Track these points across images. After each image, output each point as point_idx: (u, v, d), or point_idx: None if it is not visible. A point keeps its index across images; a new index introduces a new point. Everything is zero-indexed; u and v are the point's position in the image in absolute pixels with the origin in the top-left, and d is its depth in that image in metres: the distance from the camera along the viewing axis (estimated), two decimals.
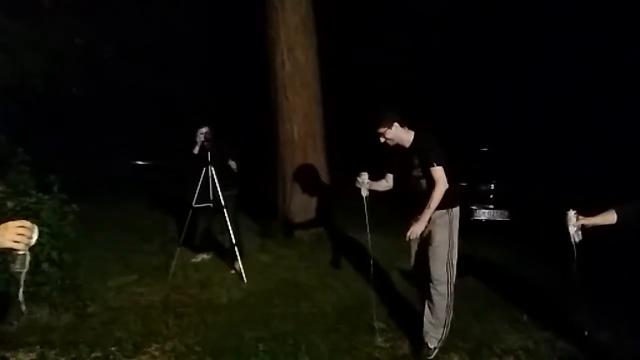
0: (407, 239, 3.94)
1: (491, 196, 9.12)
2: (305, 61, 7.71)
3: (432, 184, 3.83)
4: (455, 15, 13.36)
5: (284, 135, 7.80)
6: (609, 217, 3.39)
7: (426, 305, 4.04)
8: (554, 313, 4.87)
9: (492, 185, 9.18)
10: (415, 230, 3.85)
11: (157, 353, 4.05)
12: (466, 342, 4.23)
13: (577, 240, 3.43)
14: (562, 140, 11.49)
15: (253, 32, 8.76)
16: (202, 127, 6.38)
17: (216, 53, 14.98)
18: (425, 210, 3.80)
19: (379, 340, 4.32)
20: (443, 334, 4.01)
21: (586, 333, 3.86)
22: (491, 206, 9.01)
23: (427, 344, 4.03)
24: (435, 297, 3.93)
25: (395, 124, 3.96)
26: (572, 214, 3.44)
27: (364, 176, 4.27)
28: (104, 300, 5.17)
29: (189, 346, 4.15)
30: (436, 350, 4.03)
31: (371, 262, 4.62)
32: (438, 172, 3.81)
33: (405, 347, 4.18)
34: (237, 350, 4.06)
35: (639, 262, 5.01)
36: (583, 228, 3.44)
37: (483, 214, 8.97)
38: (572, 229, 3.43)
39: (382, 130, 3.98)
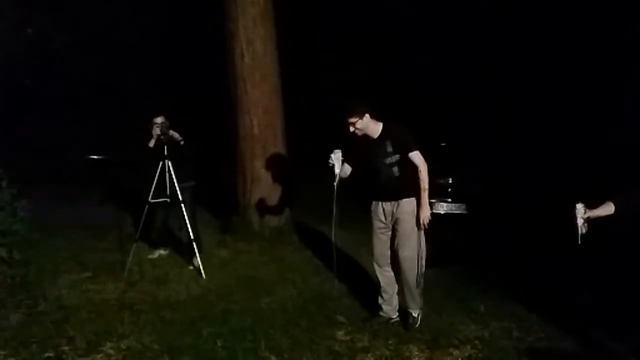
0: (424, 227, 4.24)
1: (449, 190, 9.26)
2: (264, 54, 7.61)
3: (408, 168, 4.19)
4: (452, 14, 13.32)
5: (244, 128, 7.69)
6: (608, 208, 3.61)
7: (402, 284, 4.39)
8: (509, 303, 4.98)
9: (450, 180, 9.31)
10: (426, 215, 4.20)
11: (112, 351, 3.93)
12: (424, 334, 4.28)
13: (583, 232, 3.62)
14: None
15: (212, 23, 8.60)
16: (156, 117, 6.21)
17: (174, 44, 14.68)
18: (422, 194, 4.19)
19: (339, 333, 4.32)
20: (421, 301, 4.42)
21: None
22: (449, 199, 9.15)
23: (411, 313, 4.42)
24: (407, 275, 4.29)
25: (367, 114, 4.20)
26: (580, 206, 3.63)
27: (338, 153, 4.34)
28: (56, 298, 5.00)
29: (145, 344, 4.04)
30: (420, 316, 4.40)
31: (334, 254, 4.62)
32: (419, 155, 4.22)
33: (365, 340, 4.20)
34: (195, 347, 3.99)
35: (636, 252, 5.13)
36: (588, 220, 3.63)
37: (442, 207, 9.08)
38: (579, 222, 3.62)
39: (353, 120, 4.19)
